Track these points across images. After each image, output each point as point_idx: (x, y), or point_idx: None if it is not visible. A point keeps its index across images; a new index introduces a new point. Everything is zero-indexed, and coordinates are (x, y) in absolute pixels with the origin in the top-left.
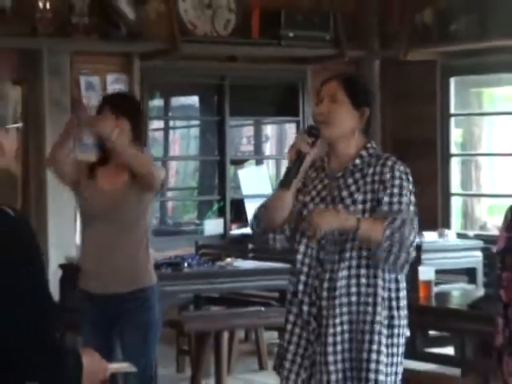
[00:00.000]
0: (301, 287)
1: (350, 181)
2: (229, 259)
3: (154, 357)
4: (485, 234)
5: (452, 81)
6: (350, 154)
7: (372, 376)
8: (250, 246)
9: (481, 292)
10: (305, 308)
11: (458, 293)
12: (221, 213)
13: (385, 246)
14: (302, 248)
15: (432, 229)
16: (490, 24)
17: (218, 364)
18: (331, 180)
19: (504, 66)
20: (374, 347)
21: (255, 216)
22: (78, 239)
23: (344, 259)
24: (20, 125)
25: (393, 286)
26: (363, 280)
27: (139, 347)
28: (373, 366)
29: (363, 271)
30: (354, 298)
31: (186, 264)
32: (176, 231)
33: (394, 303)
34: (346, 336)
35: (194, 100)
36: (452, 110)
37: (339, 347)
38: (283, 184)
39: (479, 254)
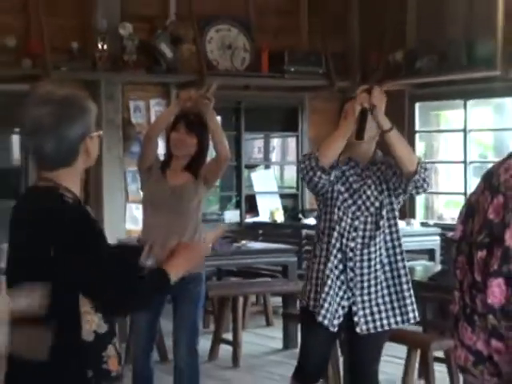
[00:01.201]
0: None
1: None
2: (243, 241)
3: (200, 318)
4: (442, 223)
5: (417, 105)
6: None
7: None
8: (260, 231)
9: (438, 268)
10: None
11: (421, 268)
12: (237, 205)
13: (416, 178)
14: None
15: (401, 218)
16: (445, 62)
17: (235, 321)
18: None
19: (456, 95)
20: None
21: (316, 154)
22: (127, 225)
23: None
24: (101, 133)
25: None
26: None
27: (191, 314)
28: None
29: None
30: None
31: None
32: (203, 219)
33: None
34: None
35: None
36: (417, 128)
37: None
38: (359, 136)
39: (437, 238)
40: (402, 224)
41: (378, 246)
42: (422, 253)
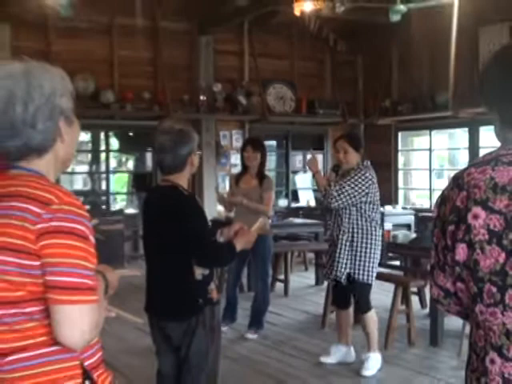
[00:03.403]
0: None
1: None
2: (290, 218)
3: (270, 262)
4: (415, 207)
5: (399, 134)
6: (351, 169)
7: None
8: (300, 212)
9: (413, 236)
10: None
11: (402, 236)
12: (286, 196)
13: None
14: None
15: (389, 204)
16: (417, 107)
17: (285, 267)
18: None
19: (424, 127)
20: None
21: (324, 197)
22: (218, 208)
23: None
24: (200, 152)
25: (366, 227)
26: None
27: (265, 260)
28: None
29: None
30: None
31: (270, 220)
32: None
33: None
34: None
35: (273, 142)
36: (399, 148)
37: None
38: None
39: (412, 217)
40: (390, 208)
41: (353, 227)
42: (402, 226)
